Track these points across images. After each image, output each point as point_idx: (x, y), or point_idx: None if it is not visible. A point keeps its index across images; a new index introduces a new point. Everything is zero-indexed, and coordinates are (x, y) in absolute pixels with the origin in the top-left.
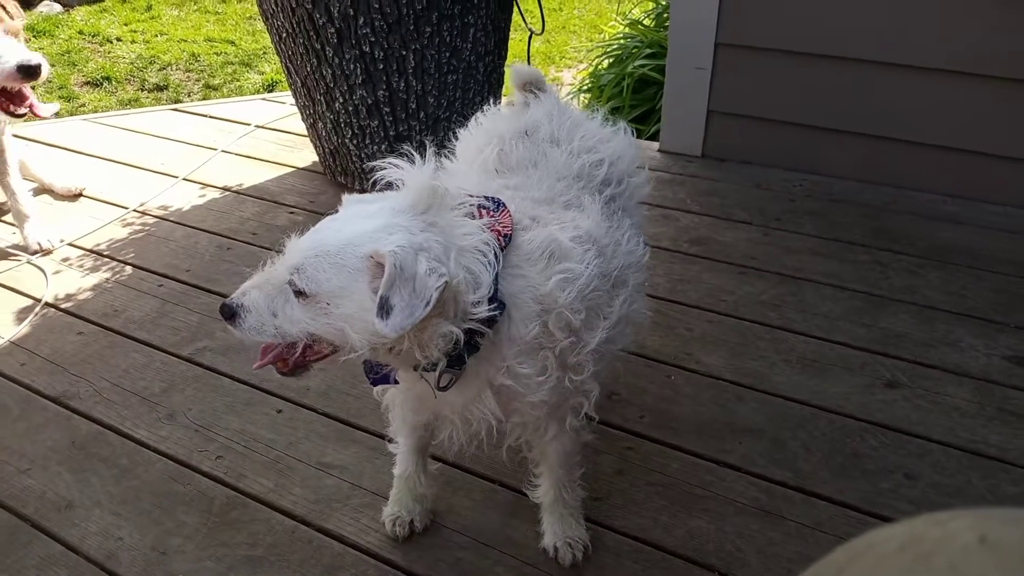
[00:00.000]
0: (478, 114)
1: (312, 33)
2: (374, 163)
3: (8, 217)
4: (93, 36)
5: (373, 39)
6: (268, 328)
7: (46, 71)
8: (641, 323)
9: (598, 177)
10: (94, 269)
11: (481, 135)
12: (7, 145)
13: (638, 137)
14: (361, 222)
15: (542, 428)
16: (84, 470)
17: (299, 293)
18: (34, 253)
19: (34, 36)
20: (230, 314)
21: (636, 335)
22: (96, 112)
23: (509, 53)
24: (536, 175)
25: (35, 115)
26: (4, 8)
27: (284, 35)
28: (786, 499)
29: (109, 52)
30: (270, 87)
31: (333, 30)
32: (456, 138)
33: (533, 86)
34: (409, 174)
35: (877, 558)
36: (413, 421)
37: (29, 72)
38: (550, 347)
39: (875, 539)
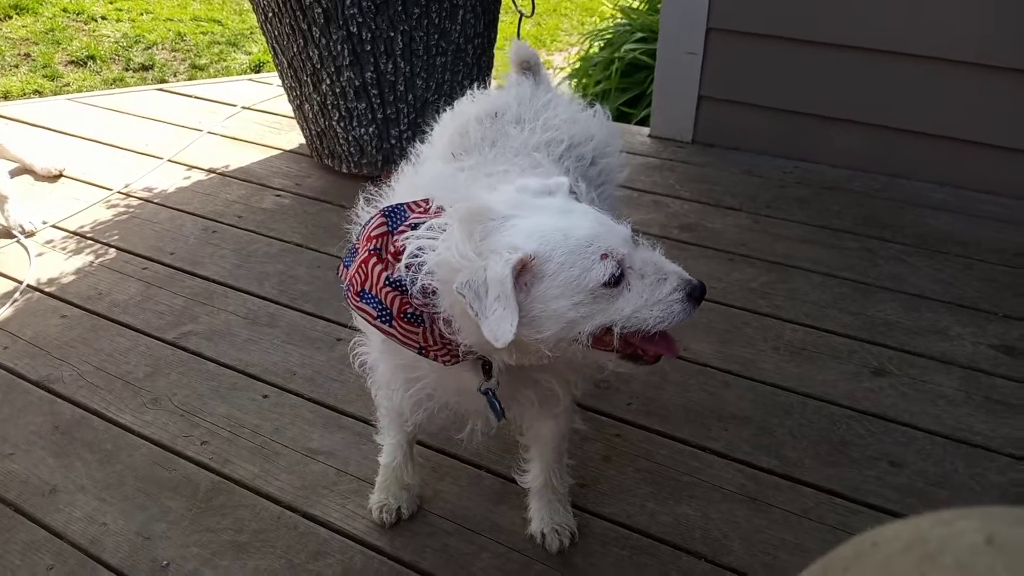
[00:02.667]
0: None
1: (299, 13)
2: None
3: None
4: (78, 14)
5: (360, 20)
6: None
7: None
8: None
9: (556, 152)
10: (77, 251)
11: (454, 118)
12: None
13: (627, 121)
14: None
15: (559, 398)
16: (68, 455)
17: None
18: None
19: (17, 13)
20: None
21: None
22: (80, 92)
23: (499, 35)
24: (492, 154)
25: None
26: None
27: (270, 15)
28: (772, 486)
29: (94, 31)
30: (257, 68)
31: (320, 10)
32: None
33: (528, 65)
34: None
35: (883, 557)
36: (414, 422)
37: None
38: None
39: (880, 537)
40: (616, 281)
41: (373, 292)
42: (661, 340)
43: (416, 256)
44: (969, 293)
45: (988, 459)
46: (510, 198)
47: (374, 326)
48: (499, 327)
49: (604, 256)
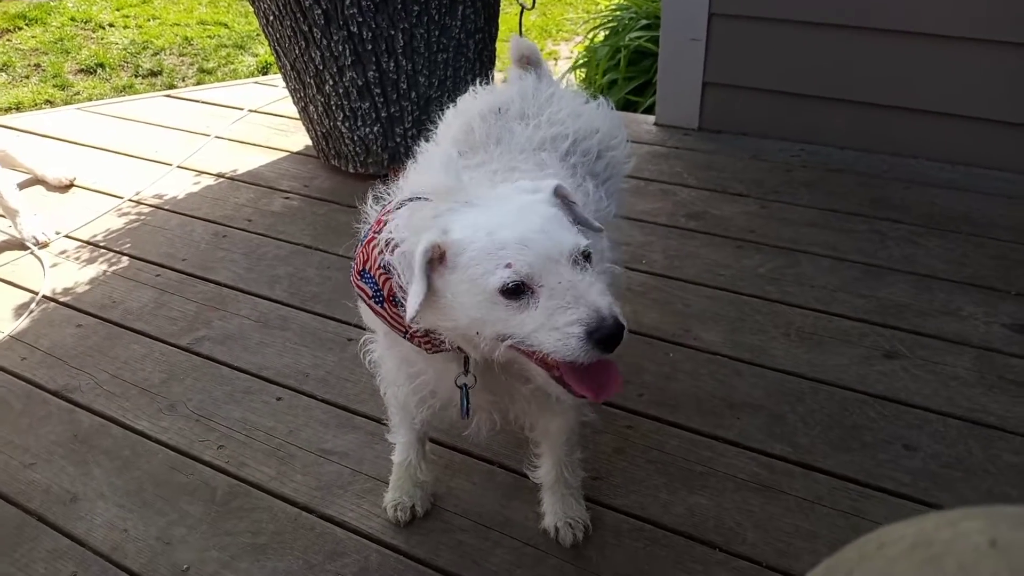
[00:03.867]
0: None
1: (299, 15)
2: None
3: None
4: (85, 23)
5: (361, 19)
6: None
7: None
8: (620, 284)
9: (561, 148)
10: (91, 260)
11: (457, 116)
12: None
13: (634, 110)
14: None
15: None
16: (87, 463)
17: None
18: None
19: (26, 24)
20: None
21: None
22: (91, 100)
23: (503, 28)
24: (498, 151)
25: None
26: None
27: (271, 17)
28: (785, 473)
29: (102, 38)
30: (264, 69)
31: (320, 11)
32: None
33: (529, 59)
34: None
35: (888, 559)
36: (421, 418)
37: None
38: None
39: (886, 538)
40: (517, 294)
41: (372, 273)
42: (585, 376)
43: (391, 235)
44: (981, 272)
45: (1003, 440)
46: (491, 190)
47: (368, 306)
48: (410, 302)
49: (508, 265)
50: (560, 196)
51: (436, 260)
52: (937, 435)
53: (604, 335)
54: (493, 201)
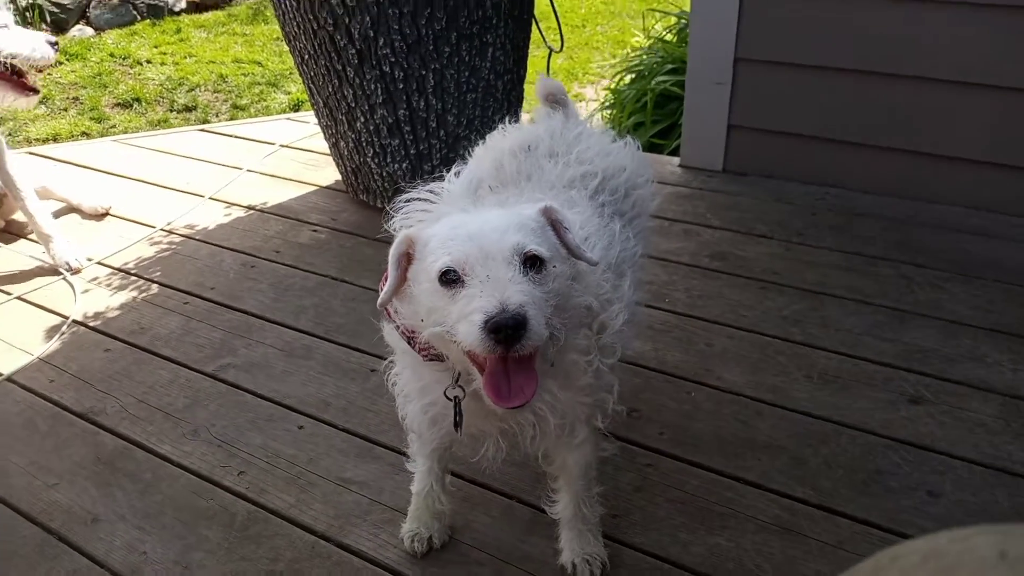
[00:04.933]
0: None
1: (333, 54)
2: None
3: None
4: (124, 58)
5: (393, 59)
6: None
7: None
8: (641, 322)
9: (590, 187)
10: (121, 287)
11: (487, 152)
12: (14, 173)
13: (659, 152)
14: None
15: (575, 429)
16: (109, 484)
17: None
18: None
19: (67, 59)
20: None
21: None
22: (126, 133)
23: (530, 70)
24: (528, 187)
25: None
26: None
27: (306, 56)
28: (807, 516)
29: (139, 74)
30: (296, 107)
31: (354, 51)
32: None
33: (555, 98)
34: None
35: (901, 570)
36: (435, 442)
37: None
38: (587, 322)
39: (899, 552)
40: (451, 283)
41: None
42: (500, 378)
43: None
44: (1007, 319)
45: None
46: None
47: (383, 298)
48: (383, 290)
49: (449, 254)
50: (549, 217)
51: (412, 253)
52: (962, 482)
53: (495, 325)
54: (484, 211)
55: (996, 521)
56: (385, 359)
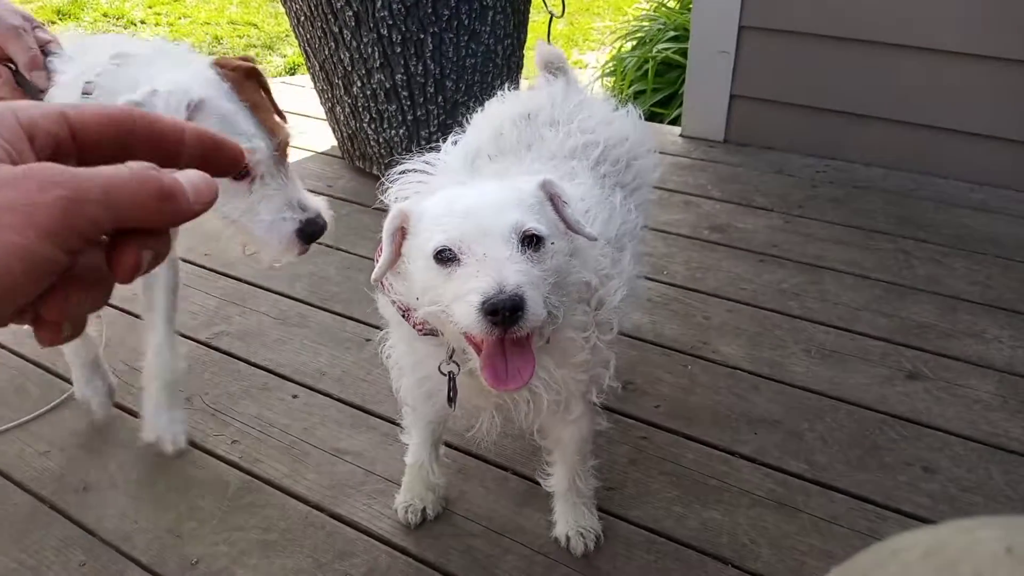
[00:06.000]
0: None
1: (330, 16)
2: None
3: None
4: (118, 19)
5: (391, 22)
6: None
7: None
8: (640, 296)
9: (592, 157)
10: None
11: (486, 120)
12: None
13: (659, 121)
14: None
15: (571, 405)
16: (101, 453)
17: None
18: None
19: (59, 18)
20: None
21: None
22: None
23: (531, 35)
24: (528, 157)
25: None
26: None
27: (302, 18)
28: (802, 491)
29: (133, 34)
30: (292, 70)
31: (351, 13)
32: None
33: (554, 66)
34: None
35: (902, 564)
36: (429, 415)
37: (310, 237)
38: (586, 298)
39: (900, 544)
40: (446, 261)
41: None
42: (496, 360)
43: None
44: (1007, 295)
45: None
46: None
47: (377, 273)
48: (377, 266)
49: (444, 231)
50: (547, 192)
51: (406, 228)
52: (957, 458)
53: (492, 307)
54: (480, 184)
55: (991, 497)
56: (380, 330)
